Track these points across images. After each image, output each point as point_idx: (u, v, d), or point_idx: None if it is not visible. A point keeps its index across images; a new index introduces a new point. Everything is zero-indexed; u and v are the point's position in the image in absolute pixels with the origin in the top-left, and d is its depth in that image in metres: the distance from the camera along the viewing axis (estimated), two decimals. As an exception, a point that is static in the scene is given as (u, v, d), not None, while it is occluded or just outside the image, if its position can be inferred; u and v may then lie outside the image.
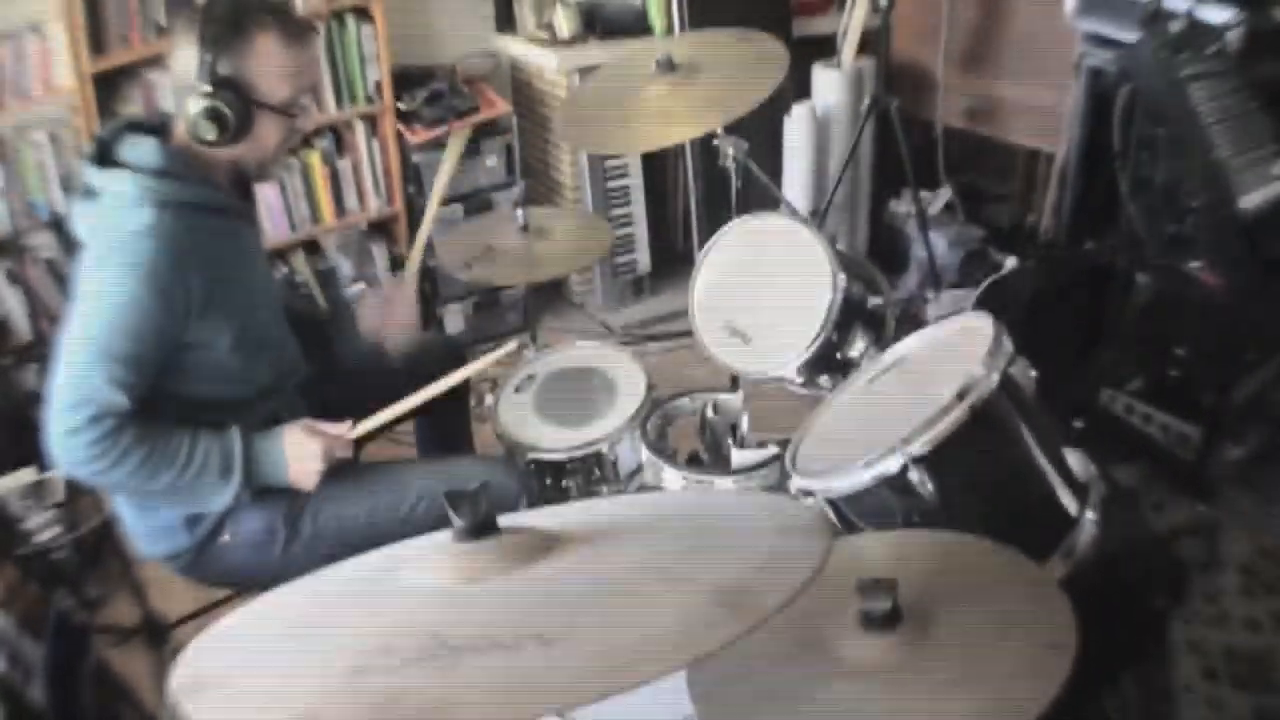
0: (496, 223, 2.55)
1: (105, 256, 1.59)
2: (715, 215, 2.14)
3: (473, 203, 3.42)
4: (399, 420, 1.87)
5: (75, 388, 1.55)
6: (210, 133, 1.60)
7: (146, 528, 1.79)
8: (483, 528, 0.91)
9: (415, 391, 1.81)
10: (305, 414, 1.78)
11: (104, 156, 1.65)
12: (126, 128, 1.68)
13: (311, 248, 3.36)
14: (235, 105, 1.60)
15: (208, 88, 1.59)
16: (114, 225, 1.59)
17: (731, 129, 2.13)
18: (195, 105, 1.59)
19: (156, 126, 1.69)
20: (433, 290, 3.47)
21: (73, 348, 1.57)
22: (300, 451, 1.70)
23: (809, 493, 1.47)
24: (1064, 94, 2.98)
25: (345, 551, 1.05)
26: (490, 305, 3.55)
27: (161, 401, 1.64)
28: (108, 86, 2.87)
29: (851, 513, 1.44)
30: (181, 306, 1.60)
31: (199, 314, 1.62)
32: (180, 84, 1.63)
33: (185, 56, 1.61)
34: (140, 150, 1.63)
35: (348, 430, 1.75)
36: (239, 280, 1.72)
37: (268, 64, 1.62)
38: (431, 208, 2.23)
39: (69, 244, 1.62)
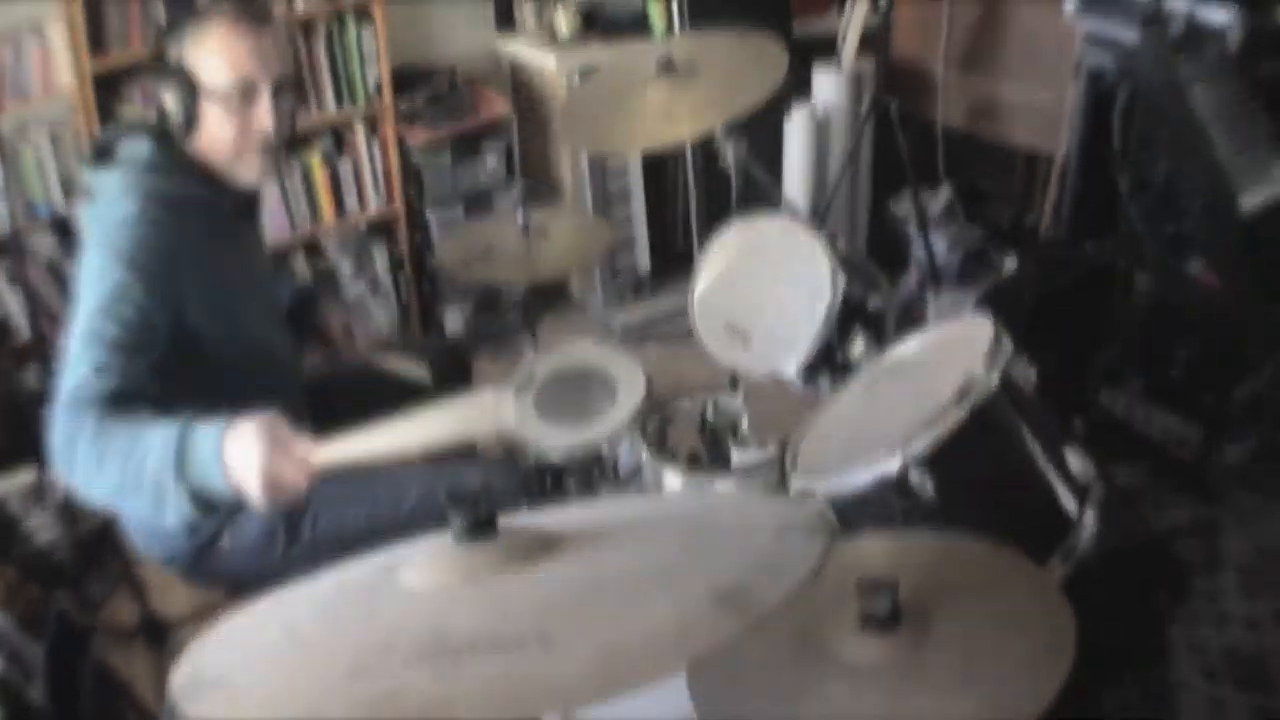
0: (496, 223, 2.55)
1: (94, 247, 1.58)
2: (715, 215, 2.14)
3: (473, 203, 3.42)
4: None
5: (69, 382, 1.48)
6: (157, 119, 1.62)
7: (146, 530, 1.79)
8: (482, 528, 0.91)
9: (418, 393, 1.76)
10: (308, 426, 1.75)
11: (104, 158, 1.65)
12: (129, 129, 1.69)
13: (311, 248, 3.36)
14: (181, 94, 1.60)
15: (164, 77, 1.61)
16: (104, 217, 1.59)
17: (731, 129, 2.13)
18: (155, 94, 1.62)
19: (153, 127, 1.69)
20: (433, 290, 3.46)
21: (70, 344, 1.53)
22: (241, 456, 1.37)
23: (809, 493, 1.46)
24: (1064, 94, 2.98)
25: (345, 553, 1.05)
26: (490, 305, 3.54)
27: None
28: (108, 86, 2.87)
29: (851, 513, 1.44)
30: (172, 295, 1.56)
31: (189, 308, 1.60)
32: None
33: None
34: (134, 146, 1.64)
35: (308, 454, 1.40)
36: (227, 281, 1.69)
37: (213, 50, 1.60)
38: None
39: (69, 244, 1.62)
